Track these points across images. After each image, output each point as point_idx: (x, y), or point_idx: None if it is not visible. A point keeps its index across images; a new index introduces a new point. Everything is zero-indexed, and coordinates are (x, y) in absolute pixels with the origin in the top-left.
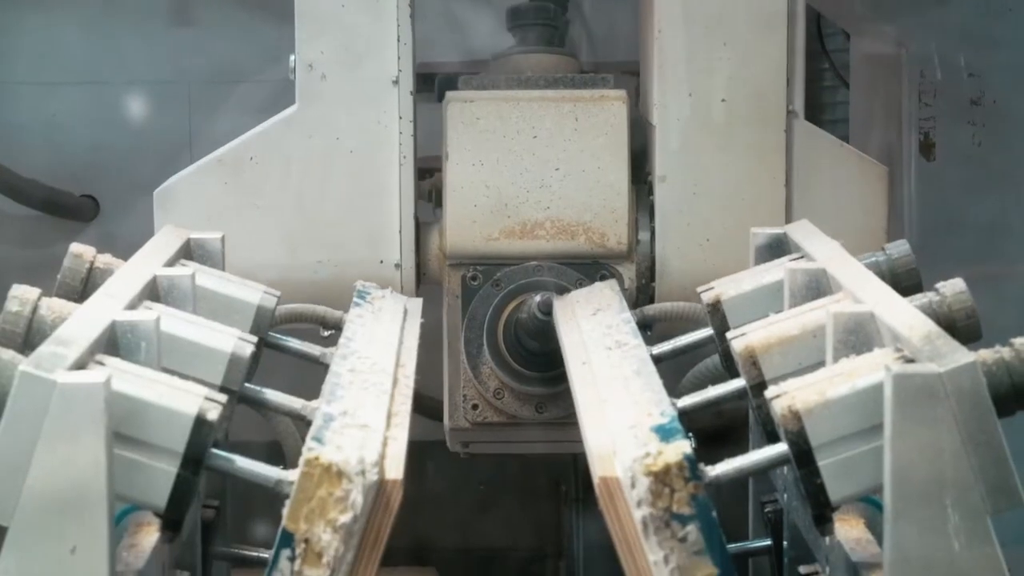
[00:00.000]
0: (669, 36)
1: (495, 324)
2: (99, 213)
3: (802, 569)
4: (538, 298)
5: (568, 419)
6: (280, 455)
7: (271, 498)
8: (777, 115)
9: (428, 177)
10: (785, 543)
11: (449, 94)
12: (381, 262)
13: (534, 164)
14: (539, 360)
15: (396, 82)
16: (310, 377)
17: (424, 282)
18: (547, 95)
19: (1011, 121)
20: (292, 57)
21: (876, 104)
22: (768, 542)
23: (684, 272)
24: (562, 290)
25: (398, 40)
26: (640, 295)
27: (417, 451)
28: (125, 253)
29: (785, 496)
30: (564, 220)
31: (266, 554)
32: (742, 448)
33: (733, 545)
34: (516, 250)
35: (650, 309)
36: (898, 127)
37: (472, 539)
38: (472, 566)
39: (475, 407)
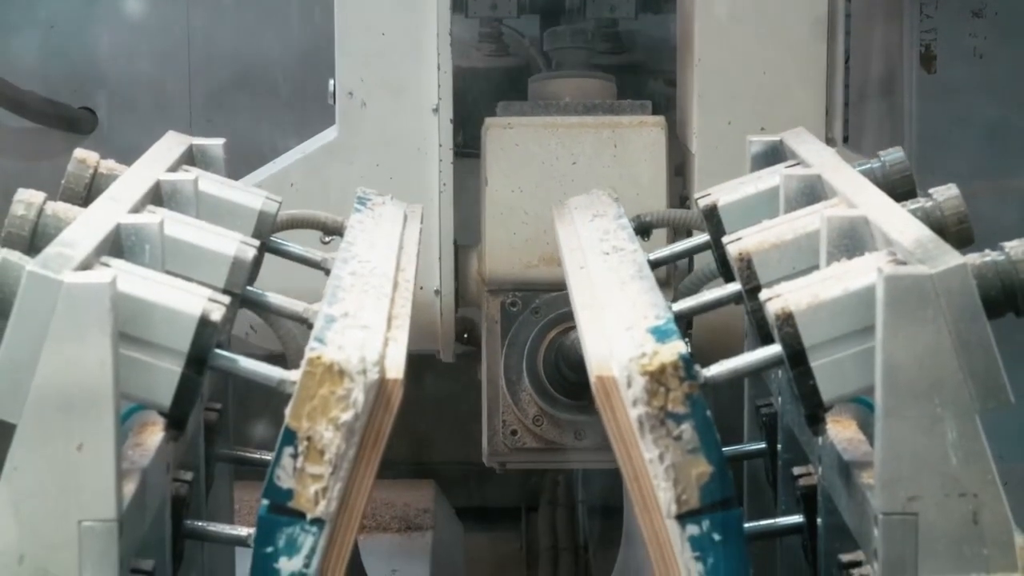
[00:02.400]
0: (709, 65)
1: (535, 352)
2: (97, 125)
3: (795, 470)
4: None
5: (607, 443)
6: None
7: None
8: None
9: None
10: (779, 446)
11: (488, 120)
12: (421, 288)
13: (573, 190)
14: (579, 388)
15: (436, 110)
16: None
17: (462, 306)
18: (586, 121)
19: (1013, 33)
20: (331, 82)
21: (877, 15)
22: (763, 445)
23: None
24: None
25: (438, 68)
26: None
27: (417, 361)
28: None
29: (780, 399)
30: None
31: (268, 456)
32: None
33: (728, 448)
34: (555, 276)
35: (648, 215)
36: (899, 39)
37: (472, 452)
38: (471, 479)
39: (514, 433)
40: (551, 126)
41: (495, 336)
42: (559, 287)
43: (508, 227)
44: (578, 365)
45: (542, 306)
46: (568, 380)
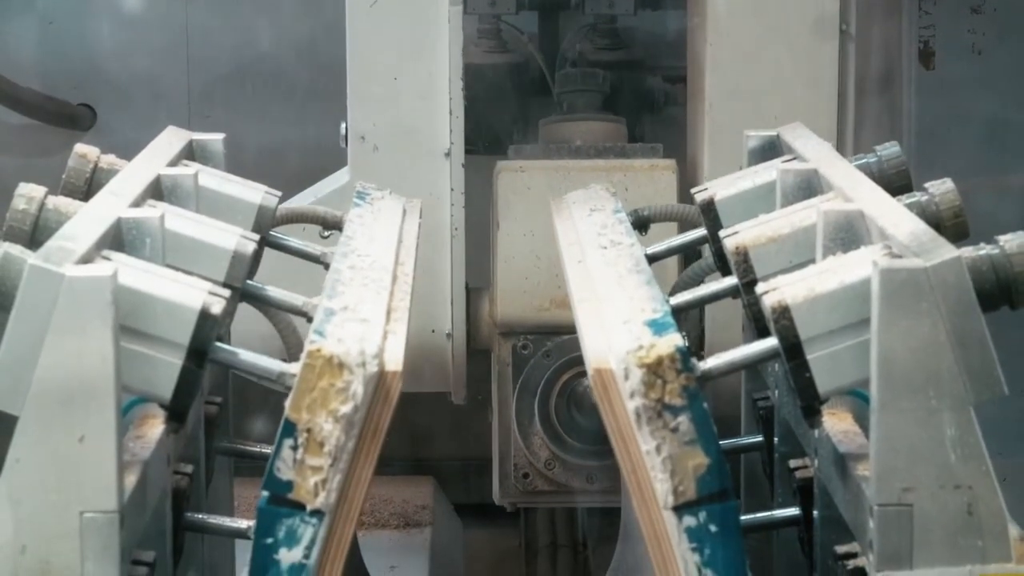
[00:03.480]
0: (720, 109)
1: (547, 396)
2: (95, 121)
3: (792, 463)
4: None
5: (619, 486)
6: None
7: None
8: None
9: None
10: (776, 439)
11: (500, 163)
12: (433, 331)
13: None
14: (591, 434)
15: (448, 154)
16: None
17: (473, 348)
18: (598, 164)
19: (1012, 30)
20: (343, 125)
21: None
22: (760, 438)
23: (735, 342)
24: None
25: (450, 113)
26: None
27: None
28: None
29: (776, 392)
30: None
31: (267, 450)
32: None
33: (726, 441)
34: (567, 320)
35: (646, 210)
36: (898, 35)
37: (470, 448)
38: (470, 475)
39: (526, 476)
40: (563, 169)
41: (507, 379)
42: (571, 330)
43: (520, 270)
44: (591, 411)
45: (554, 350)
46: (581, 425)
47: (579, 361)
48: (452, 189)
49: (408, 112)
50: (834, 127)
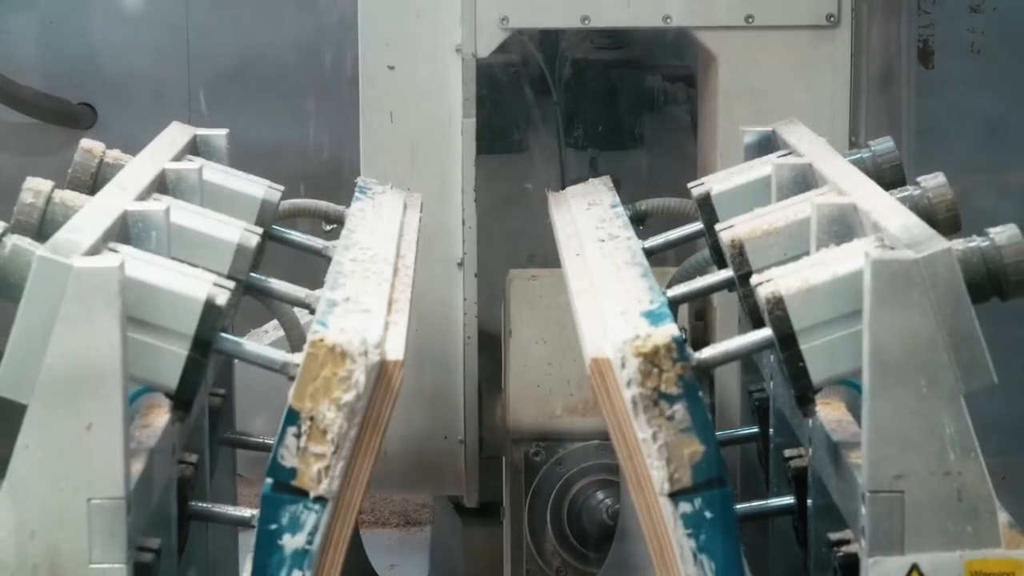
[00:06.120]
0: (730, 110)
1: (560, 505)
2: (96, 120)
3: (787, 452)
4: (609, 501)
5: None
6: None
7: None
8: None
9: None
10: (771, 430)
11: (512, 272)
12: (445, 438)
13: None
14: (604, 543)
15: (461, 264)
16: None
17: (484, 453)
18: None
19: (1011, 29)
20: None
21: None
22: (755, 429)
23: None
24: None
25: (463, 224)
26: None
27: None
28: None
29: (771, 384)
30: None
31: (270, 441)
32: None
33: (722, 432)
34: (579, 427)
35: (643, 204)
36: (897, 34)
37: None
38: None
39: None
40: None
41: (519, 485)
42: (584, 437)
43: (531, 378)
44: (601, 525)
45: (566, 458)
46: (593, 534)
47: (592, 470)
48: (465, 299)
49: (423, 223)
50: (836, 126)
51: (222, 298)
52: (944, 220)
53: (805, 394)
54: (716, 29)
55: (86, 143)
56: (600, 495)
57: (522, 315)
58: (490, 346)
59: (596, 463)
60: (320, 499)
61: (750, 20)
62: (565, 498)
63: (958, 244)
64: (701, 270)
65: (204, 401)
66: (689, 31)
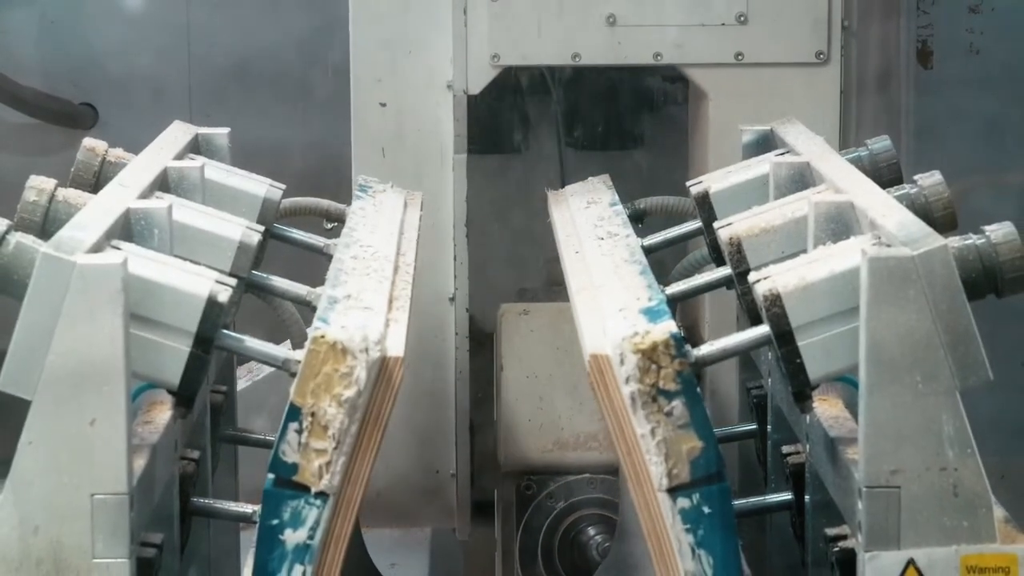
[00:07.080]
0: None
1: (551, 538)
2: (97, 121)
3: (784, 449)
4: (599, 538)
5: None
6: None
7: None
8: None
9: None
10: (769, 426)
11: (504, 306)
12: (437, 472)
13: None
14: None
15: (452, 299)
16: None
17: (476, 487)
18: None
19: (1009, 29)
20: None
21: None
22: (753, 426)
23: None
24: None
25: (455, 259)
26: None
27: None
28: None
29: (769, 381)
30: None
31: (271, 438)
32: None
33: (720, 429)
34: (571, 461)
35: (642, 202)
36: (896, 34)
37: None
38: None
39: None
40: (566, 311)
41: (510, 518)
42: (575, 471)
43: (523, 412)
44: (590, 565)
45: (557, 491)
46: (584, 568)
47: (583, 504)
48: (456, 334)
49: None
50: (834, 126)
51: (224, 295)
52: (940, 218)
53: (802, 390)
54: (706, 66)
55: (89, 142)
56: (591, 531)
57: (513, 350)
58: (489, 346)
59: (587, 497)
60: (321, 495)
61: (740, 58)
62: (556, 532)
63: (954, 241)
64: (699, 268)
65: (206, 398)
66: (680, 68)
